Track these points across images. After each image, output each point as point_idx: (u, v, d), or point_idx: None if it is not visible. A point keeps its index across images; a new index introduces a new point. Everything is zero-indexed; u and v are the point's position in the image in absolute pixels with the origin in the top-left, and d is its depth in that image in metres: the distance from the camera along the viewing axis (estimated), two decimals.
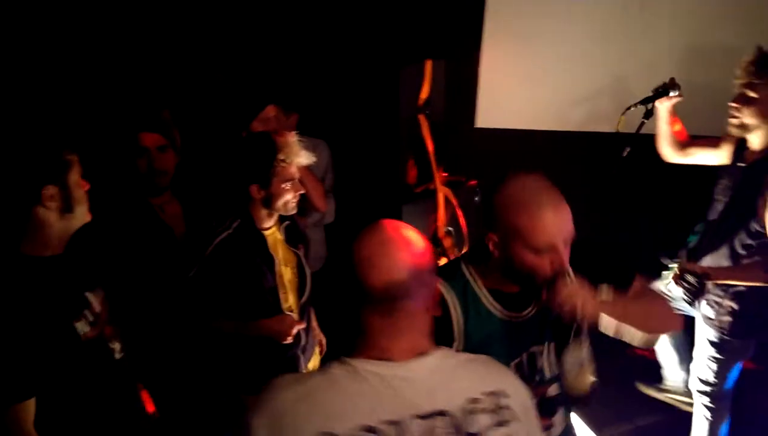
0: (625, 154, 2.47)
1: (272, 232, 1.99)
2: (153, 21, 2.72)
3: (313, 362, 2.18)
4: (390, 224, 1.11)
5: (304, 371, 2.03)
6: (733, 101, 2.16)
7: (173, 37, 2.76)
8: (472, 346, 1.35)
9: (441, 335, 1.30)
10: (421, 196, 2.79)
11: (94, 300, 1.44)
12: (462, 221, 2.91)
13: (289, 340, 1.94)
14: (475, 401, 1.03)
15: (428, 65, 2.71)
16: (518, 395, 1.10)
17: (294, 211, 1.98)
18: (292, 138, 1.93)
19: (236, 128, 2.39)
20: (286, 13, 2.94)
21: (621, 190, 2.67)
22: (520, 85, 3.10)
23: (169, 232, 2.01)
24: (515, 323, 1.41)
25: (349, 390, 1.00)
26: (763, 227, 2.07)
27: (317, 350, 2.25)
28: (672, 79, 2.40)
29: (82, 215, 1.38)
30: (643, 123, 2.45)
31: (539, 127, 3.14)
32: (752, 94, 2.10)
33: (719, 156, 2.37)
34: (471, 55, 2.97)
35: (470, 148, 3.10)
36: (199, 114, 2.73)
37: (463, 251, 2.90)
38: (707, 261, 2.25)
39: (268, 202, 1.91)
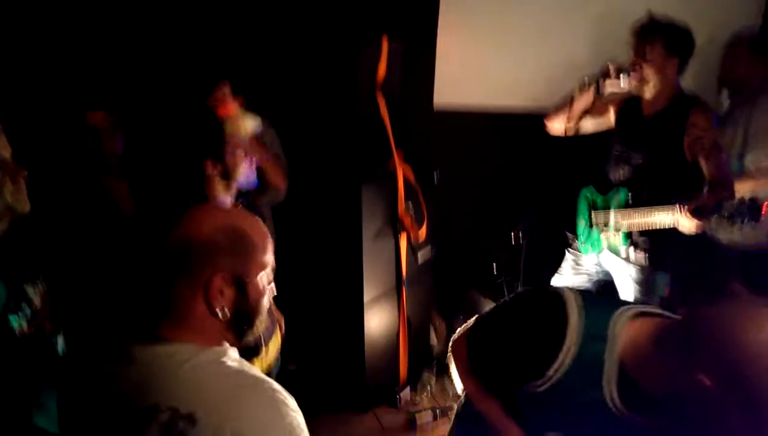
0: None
1: None
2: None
3: (274, 344, 2.17)
4: (223, 206, 1.06)
5: (263, 354, 2.01)
6: (633, 63, 2.34)
7: (120, 14, 2.64)
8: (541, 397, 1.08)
9: (533, 356, 1.08)
10: (381, 176, 2.78)
11: (34, 294, 1.37)
12: (421, 199, 2.92)
13: None
14: (159, 409, 0.88)
15: (385, 43, 2.67)
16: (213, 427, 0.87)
17: (254, 183, 1.94)
18: (234, 108, 1.89)
19: (189, 106, 2.32)
20: None
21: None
22: (478, 65, 3.07)
23: (121, 213, 1.96)
24: (610, 416, 1.05)
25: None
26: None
27: (277, 330, 2.23)
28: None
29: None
30: (593, 103, 2.42)
31: (497, 106, 3.14)
32: (648, 52, 2.30)
33: (607, 121, 2.56)
34: (428, 34, 2.94)
35: (429, 127, 3.09)
36: (150, 92, 2.63)
37: (423, 227, 2.92)
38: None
39: (227, 175, 1.86)
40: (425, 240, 3.02)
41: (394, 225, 2.84)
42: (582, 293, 1.14)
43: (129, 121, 2.03)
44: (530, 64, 3.11)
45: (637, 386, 1.02)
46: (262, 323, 1.06)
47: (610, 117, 2.57)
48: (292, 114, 2.80)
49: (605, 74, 2.38)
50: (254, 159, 1.92)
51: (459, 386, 1.30)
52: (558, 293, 1.14)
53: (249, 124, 1.89)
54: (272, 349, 2.10)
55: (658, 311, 1.07)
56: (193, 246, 0.95)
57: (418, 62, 2.95)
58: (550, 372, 1.07)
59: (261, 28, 2.85)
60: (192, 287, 0.96)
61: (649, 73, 2.34)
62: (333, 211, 2.82)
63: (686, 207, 2.10)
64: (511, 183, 3.14)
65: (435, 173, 2.96)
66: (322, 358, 3.05)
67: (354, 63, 2.72)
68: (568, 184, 2.70)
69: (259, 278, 1.03)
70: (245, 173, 1.90)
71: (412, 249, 2.97)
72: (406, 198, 2.84)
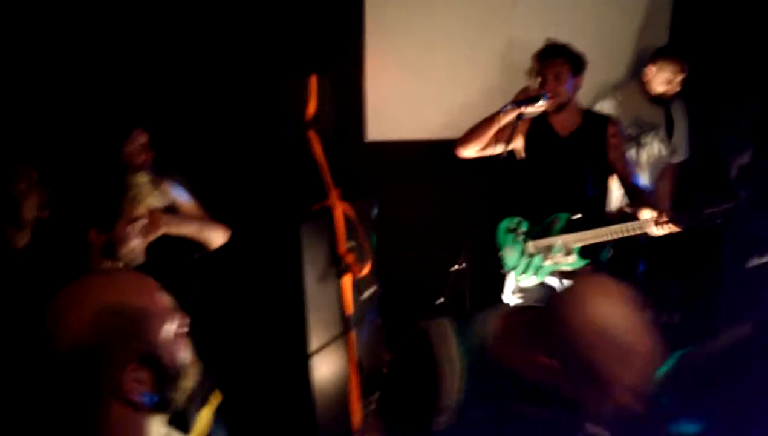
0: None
1: None
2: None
3: (207, 409, 1.85)
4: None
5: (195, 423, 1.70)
6: (544, 85, 2.36)
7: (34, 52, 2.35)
8: None
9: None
10: (319, 214, 2.60)
11: None
12: (362, 235, 2.77)
13: None
14: None
15: (313, 80, 2.54)
16: None
17: (141, 261, 1.63)
18: (143, 176, 1.64)
19: (105, 154, 2.05)
20: (162, 31, 2.63)
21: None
22: (407, 96, 3.02)
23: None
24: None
25: None
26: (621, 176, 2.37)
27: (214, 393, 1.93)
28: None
29: None
30: (514, 127, 2.39)
31: (428, 136, 3.09)
32: (561, 72, 2.35)
33: (516, 144, 2.54)
34: (355, 68, 2.85)
35: (363, 162, 2.98)
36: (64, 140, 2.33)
37: (368, 265, 2.75)
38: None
39: (110, 251, 1.56)
40: (370, 277, 2.85)
41: (336, 266, 2.65)
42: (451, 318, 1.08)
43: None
44: (451, 96, 3.09)
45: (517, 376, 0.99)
46: (189, 378, 0.91)
47: (519, 143, 2.55)
48: (224, 156, 2.60)
49: (528, 98, 2.36)
50: (149, 237, 1.63)
51: None
52: (422, 329, 1.08)
53: (156, 198, 1.64)
54: (205, 415, 1.81)
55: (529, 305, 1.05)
56: (73, 354, 0.76)
57: (350, 96, 2.86)
58: (446, 402, 1.01)
59: (185, 73, 2.65)
60: (99, 399, 0.78)
61: (562, 92, 2.38)
62: (269, 255, 2.59)
63: (661, 216, 2.10)
64: (452, 211, 3.08)
65: (374, 208, 2.82)
66: (269, 417, 2.76)
67: (281, 102, 2.57)
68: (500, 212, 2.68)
69: (166, 334, 0.86)
70: (133, 252, 1.59)
71: (357, 288, 2.79)
72: (348, 236, 2.67)
